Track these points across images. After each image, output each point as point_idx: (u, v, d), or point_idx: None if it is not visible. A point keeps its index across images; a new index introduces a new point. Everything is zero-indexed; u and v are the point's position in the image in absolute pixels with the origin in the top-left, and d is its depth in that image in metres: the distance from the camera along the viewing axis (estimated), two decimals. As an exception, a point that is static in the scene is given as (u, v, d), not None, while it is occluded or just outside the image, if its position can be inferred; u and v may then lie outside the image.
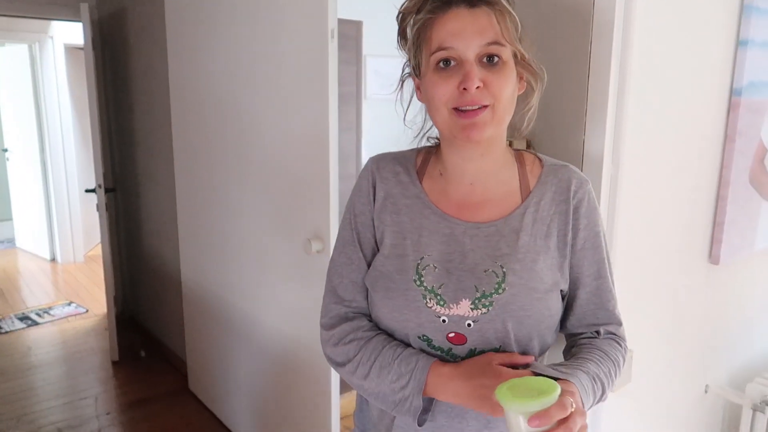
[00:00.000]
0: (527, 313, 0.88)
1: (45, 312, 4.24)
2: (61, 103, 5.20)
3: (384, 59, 3.62)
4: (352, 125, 3.14)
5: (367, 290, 0.99)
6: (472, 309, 0.88)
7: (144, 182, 3.59)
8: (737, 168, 1.51)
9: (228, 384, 2.65)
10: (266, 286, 2.24)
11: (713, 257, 1.54)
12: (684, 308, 1.52)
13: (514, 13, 0.86)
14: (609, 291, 0.97)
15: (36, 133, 5.30)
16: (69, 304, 4.39)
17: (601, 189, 1.11)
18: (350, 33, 3.01)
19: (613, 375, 0.92)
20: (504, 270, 0.89)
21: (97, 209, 3.37)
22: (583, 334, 0.98)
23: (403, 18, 0.91)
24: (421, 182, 0.97)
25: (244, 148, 2.27)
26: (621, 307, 1.08)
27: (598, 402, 0.90)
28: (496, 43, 0.83)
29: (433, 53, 0.85)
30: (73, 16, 3.42)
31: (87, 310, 4.27)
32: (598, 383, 0.88)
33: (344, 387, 2.37)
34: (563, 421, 0.73)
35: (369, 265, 0.98)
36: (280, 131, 2.04)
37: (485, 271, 0.89)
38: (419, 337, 0.91)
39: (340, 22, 1.85)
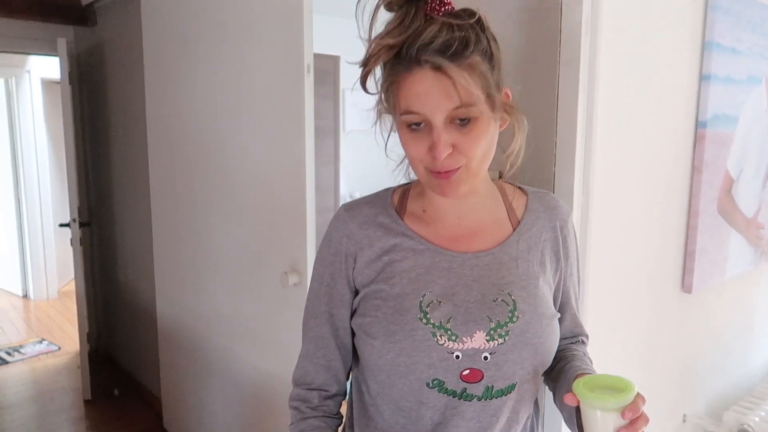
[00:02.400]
0: (541, 340, 0.87)
1: (15, 350, 4.12)
2: (37, 138, 5.16)
3: (362, 93, 3.67)
4: (330, 159, 3.16)
5: (347, 345, 0.97)
6: (487, 341, 0.84)
7: (120, 216, 3.55)
8: (705, 198, 1.54)
9: (204, 421, 2.58)
10: (242, 319, 2.21)
11: (686, 286, 1.57)
12: (658, 337, 1.53)
13: (485, 64, 0.80)
14: (578, 309, 1.03)
15: (10, 167, 5.24)
16: (41, 342, 4.27)
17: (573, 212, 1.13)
18: (328, 68, 3.05)
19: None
20: (513, 298, 0.87)
21: (72, 244, 3.32)
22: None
23: (367, 61, 0.83)
24: (403, 219, 0.93)
25: (221, 181, 2.26)
26: (595, 336, 1.09)
27: None
28: (464, 105, 0.78)
29: (402, 114, 0.82)
30: (50, 50, 3.41)
31: (59, 348, 4.16)
32: None
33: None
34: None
35: (352, 314, 0.95)
36: (257, 165, 2.05)
37: (494, 301, 0.86)
38: (428, 384, 0.85)
39: (318, 56, 1.87)
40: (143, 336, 3.29)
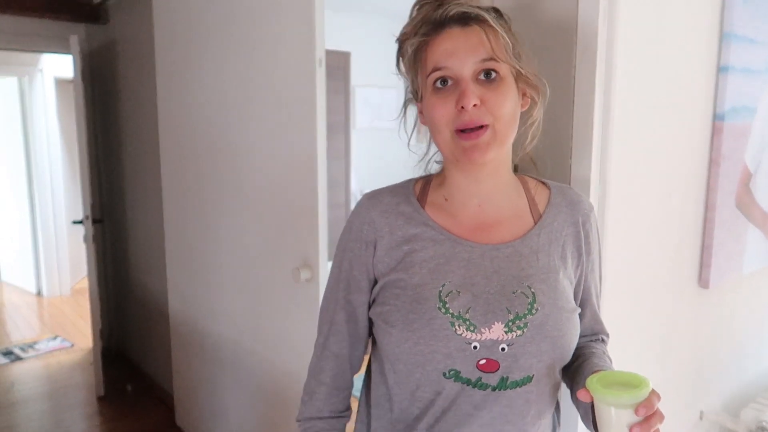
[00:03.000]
0: (561, 333, 0.86)
1: (29, 347, 4.16)
2: (49, 136, 5.19)
3: (373, 89, 3.67)
4: (341, 154, 3.15)
5: (362, 334, 0.99)
6: (506, 332, 0.84)
7: (132, 213, 3.57)
8: (723, 191, 1.52)
9: (216, 417, 2.59)
10: (254, 315, 2.21)
11: (703, 281, 1.54)
12: (675, 333, 1.51)
13: (508, 30, 0.86)
14: (599, 307, 1.02)
15: (24, 165, 5.28)
16: (54, 339, 4.31)
17: (589, 212, 1.11)
18: (339, 64, 3.04)
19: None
20: (533, 290, 0.87)
21: (84, 241, 3.34)
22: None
23: (401, 44, 0.90)
24: (424, 208, 0.94)
25: (232, 177, 2.26)
26: (612, 330, 1.07)
27: None
28: (490, 59, 0.83)
29: (429, 74, 0.85)
30: (62, 48, 3.43)
31: (72, 345, 4.19)
32: None
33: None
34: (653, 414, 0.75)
35: (369, 305, 0.96)
36: (269, 160, 2.04)
37: (514, 293, 0.86)
38: (445, 375, 0.86)
39: (329, 53, 1.87)
40: (155, 332, 3.30)
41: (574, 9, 1.07)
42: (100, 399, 3.33)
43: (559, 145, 1.13)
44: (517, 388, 0.86)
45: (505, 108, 0.84)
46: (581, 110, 1.09)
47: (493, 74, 0.83)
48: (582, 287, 0.97)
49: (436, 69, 0.84)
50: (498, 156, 0.87)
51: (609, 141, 1.13)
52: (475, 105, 0.82)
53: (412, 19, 0.89)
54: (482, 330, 0.84)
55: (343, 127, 3.15)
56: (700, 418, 1.66)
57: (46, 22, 3.38)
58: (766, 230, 1.75)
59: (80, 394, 3.42)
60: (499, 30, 0.84)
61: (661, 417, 0.75)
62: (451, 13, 0.84)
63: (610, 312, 1.23)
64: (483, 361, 0.84)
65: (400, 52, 0.91)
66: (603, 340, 1.03)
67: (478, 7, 0.85)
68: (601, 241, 1.16)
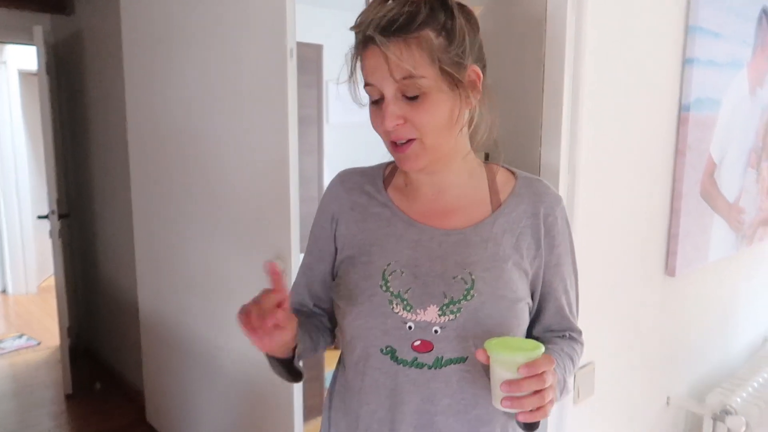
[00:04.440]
0: (496, 321, 0.87)
1: (-6, 345, 4.05)
2: (14, 129, 5.05)
3: (345, 86, 3.64)
4: (313, 148, 3.14)
5: (323, 297, 1.03)
6: (439, 315, 0.87)
7: (100, 208, 3.50)
8: (689, 181, 1.55)
9: (188, 413, 2.56)
10: (228, 309, 2.18)
11: (669, 269, 1.58)
12: (643, 320, 1.54)
13: (441, 39, 0.81)
14: (572, 304, 1.00)
15: (-13, 160, 5.13)
16: (20, 337, 4.20)
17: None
18: (311, 56, 3.02)
19: (570, 370, 0.95)
20: (473, 277, 0.88)
21: (50, 236, 3.26)
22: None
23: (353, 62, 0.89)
24: (387, 190, 0.98)
25: (203, 170, 2.23)
26: (582, 318, 1.08)
27: (560, 396, 0.90)
28: (409, 77, 0.81)
29: (365, 86, 0.87)
30: (26, 39, 3.33)
31: (39, 343, 4.09)
32: (560, 375, 0.89)
33: (308, 414, 2.31)
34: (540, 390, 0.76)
35: (332, 275, 1.00)
36: (240, 153, 2.02)
37: (454, 278, 0.88)
38: (382, 351, 0.89)
39: (301, 45, 1.85)
40: (125, 329, 3.25)
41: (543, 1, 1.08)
42: (68, 397, 3.26)
43: (530, 133, 1.14)
44: (452, 365, 0.88)
45: (431, 123, 0.84)
46: (551, 99, 1.10)
47: (416, 92, 0.82)
48: (541, 280, 0.95)
49: (366, 84, 0.86)
50: (433, 161, 0.88)
51: (578, 130, 1.14)
52: (397, 124, 0.84)
53: (361, 12, 0.85)
54: (418, 311, 0.87)
55: (315, 121, 3.13)
56: (667, 403, 1.70)
57: (10, 11, 3.28)
58: (731, 220, 1.80)
59: (47, 393, 3.34)
60: (424, 39, 0.80)
61: (540, 382, 0.75)
62: (368, 34, 0.81)
63: (581, 300, 1.25)
64: (417, 342, 0.87)
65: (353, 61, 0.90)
66: (571, 337, 1.01)
67: (409, 15, 0.80)
68: (573, 228, 1.18)
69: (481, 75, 0.88)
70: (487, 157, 1.20)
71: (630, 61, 1.30)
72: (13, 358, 3.84)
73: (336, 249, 0.99)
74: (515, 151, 1.16)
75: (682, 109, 1.50)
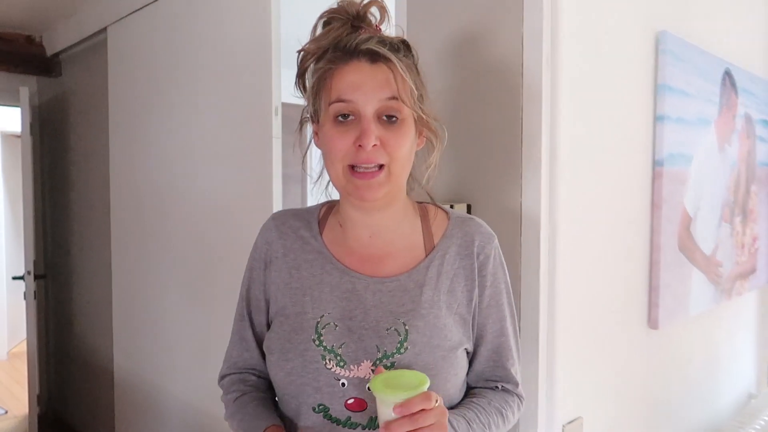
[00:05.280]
0: (432, 373, 0.83)
1: (-42, 415, 3.85)
2: (-7, 191, 5.02)
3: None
4: (297, 205, 3.15)
5: (259, 350, 0.98)
6: (372, 371, 0.83)
7: (78, 268, 3.43)
8: (666, 234, 1.58)
9: (161, 484, 2.43)
10: (206, 371, 2.12)
11: (652, 321, 1.58)
12: (628, 372, 1.53)
13: (414, 73, 0.86)
14: (509, 349, 0.94)
15: (-37, 221, 5.06)
16: (-14, 406, 4.01)
17: (540, 248, 1.14)
18: (295, 116, 3.08)
19: (496, 426, 0.90)
20: (406, 328, 0.85)
21: (25, 298, 3.18)
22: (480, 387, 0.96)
23: (303, 59, 0.89)
24: (321, 235, 0.94)
25: (184, 230, 2.22)
26: (567, 370, 1.07)
27: None
28: (394, 98, 0.82)
29: (331, 103, 0.84)
30: (11, 101, 3.37)
31: (6, 411, 3.91)
32: (474, 426, 0.86)
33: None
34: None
35: (268, 326, 0.95)
36: (223, 211, 2.02)
37: (387, 330, 0.85)
38: (314, 409, 0.85)
39: (286, 106, 1.89)
40: (97, 395, 3.12)
41: (519, 54, 1.13)
42: (34, 469, 3.09)
43: (510, 183, 1.16)
44: None
45: (403, 150, 0.84)
46: (529, 151, 1.13)
47: (394, 118, 0.83)
48: (476, 324, 0.91)
49: (339, 100, 0.83)
50: (389, 193, 0.87)
51: (557, 180, 1.17)
52: (374, 145, 0.82)
53: (318, 36, 0.88)
54: (351, 367, 0.84)
55: (299, 178, 3.16)
56: (657, 460, 1.66)
57: (-4, 73, 3.32)
58: (709, 272, 1.82)
59: (12, 465, 3.17)
60: (405, 75, 0.83)
61: (412, 422, 0.72)
62: (362, 47, 0.83)
63: (565, 351, 1.24)
64: (351, 401, 0.83)
65: (301, 69, 0.90)
66: (504, 389, 0.94)
67: (390, 44, 0.85)
68: (554, 279, 1.19)
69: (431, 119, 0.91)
70: (469, 209, 1.22)
71: (604, 115, 1.35)
72: (-22, 428, 3.66)
73: (268, 299, 0.95)
74: (496, 201, 1.18)
75: (656, 164, 1.54)
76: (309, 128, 0.95)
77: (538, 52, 1.11)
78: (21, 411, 3.85)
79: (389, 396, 0.74)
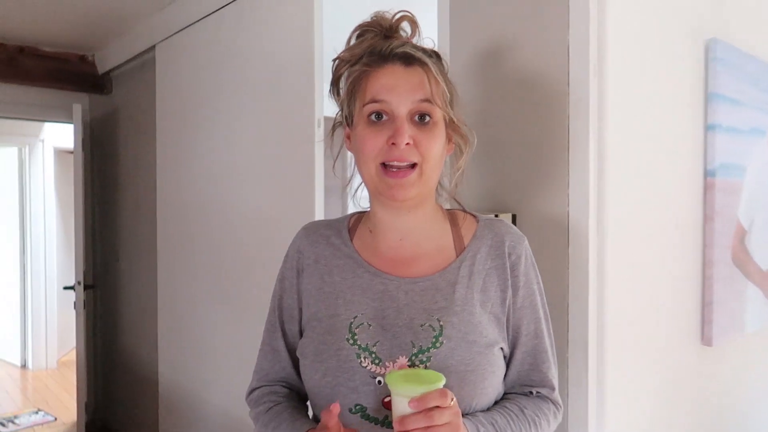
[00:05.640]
0: (469, 368, 0.84)
1: (10, 421, 3.99)
2: (46, 204, 5.21)
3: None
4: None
5: (291, 361, 0.98)
6: (409, 366, 0.84)
7: (125, 280, 3.53)
8: (719, 247, 1.52)
9: (203, 494, 2.46)
10: (248, 382, 2.14)
11: (705, 338, 1.52)
12: (680, 391, 1.47)
13: (446, 79, 0.89)
14: (545, 352, 0.94)
15: (18, 234, 5.26)
16: (36, 413, 4.14)
17: (589, 260, 1.11)
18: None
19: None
20: (441, 323, 0.86)
21: (75, 307, 3.28)
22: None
23: (338, 66, 0.93)
24: (352, 241, 0.96)
25: (227, 244, 2.26)
26: (616, 389, 1.04)
27: None
28: (427, 101, 0.85)
29: (366, 104, 0.87)
30: (65, 117, 3.51)
31: (55, 419, 4.03)
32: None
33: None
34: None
35: (301, 334, 0.96)
36: (266, 224, 2.05)
37: (421, 326, 0.86)
38: (351, 410, 0.85)
39: (328, 120, 1.91)
40: (143, 403, 3.18)
41: (565, 61, 1.12)
42: (81, 476, 3.17)
43: (557, 194, 1.14)
44: None
45: (434, 150, 0.86)
46: (576, 160, 1.11)
47: (427, 118, 0.86)
48: (511, 326, 0.91)
49: (373, 101, 0.86)
50: (420, 194, 0.88)
51: (604, 191, 1.14)
52: (407, 144, 0.84)
53: (352, 46, 0.92)
54: (387, 364, 0.84)
55: (339, 191, 3.18)
56: (712, 484, 1.59)
57: (50, 91, 3.47)
58: (765, 288, 1.75)
59: (60, 471, 3.25)
60: (439, 78, 0.87)
61: (427, 419, 0.72)
62: (397, 51, 0.87)
63: (614, 367, 1.20)
64: (388, 399, 0.83)
65: (336, 75, 0.94)
66: (539, 395, 0.93)
67: (423, 50, 0.89)
68: (603, 293, 1.16)
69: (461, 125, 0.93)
70: (514, 218, 1.20)
71: (653, 125, 1.32)
72: (29, 434, 3.77)
73: (300, 307, 0.96)
74: (542, 211, 1.16)
75: (708, 174, 1.49)
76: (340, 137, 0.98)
77: (584, 60, 1.09)
78: (69, 418, 3.96)
79: (405, 389, 0.73)
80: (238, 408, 2.19)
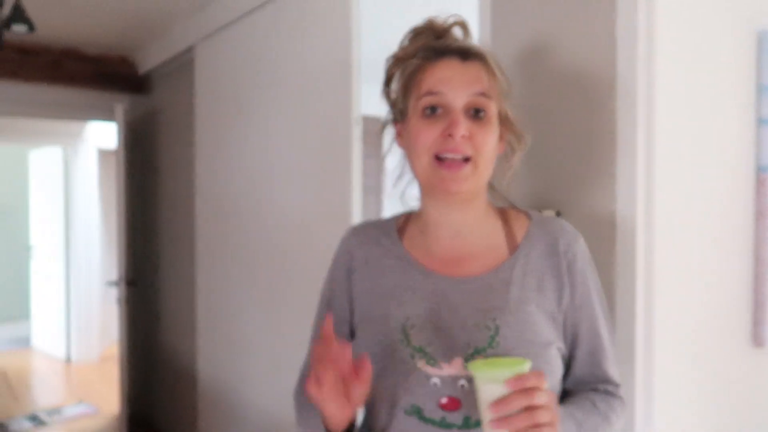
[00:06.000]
0: None
1: (55, 412, 4.11)
2: (89, 202, 5.35)
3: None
4: (374, 216, 3.17)
5: None
6: (465, 367, 0.82)
7: (165, 277, 3.60)
8: (772, 245, 1.47)
9: (241, 488, 2.49)
10: (285, 379, 2.16)
11: (757, 339, 1.46)
12: (729, 394, 1.42)
13: (503, 73, 0.89)
14: (605, 350, 0.92)
15: (62, 230, 5.42)
16: (79, 404, 4.26)
17: (636, 258, 1.08)
18: (372, 129, 3.11)
19: (600, 429, 0.87)
20: (497, 323, 0.84)
21: (117, 303, 3.36)
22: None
23: (392, 65, 0.92)
24: (402, 242, 0.95)
25: (265, 242, 2.28)
26: (663, 391, 1.01)
27: None
28: (484, 94, 0.85)
29: (421, 97, 0.86)
30: (107, 117, 3.60)
31: (98, 411, 4.14)
32: (585, 427, 0.83)
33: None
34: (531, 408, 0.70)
35: (352, 335, 0.95)
36: (303, 222, 2.06)
37: (476, 325, 0.84)
38: (407, 411, 0.83)
39: (365, 119, 1.91)
40: (182, 398, 3.25)
41: (612, 55, 1.09)
42: (123, 467, 3.25)
43: (603, 190, 1.12)
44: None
45: (489, 145, 0.86)
46: (624, 156, 1.09)
47: (482, 113, 0.85)
48: (569, 325, 0.90)
49: (429, 93, 0.86)
50: (473, 188, 0.87)
51: (653, 190, 1.11)
52: (463, 136, 0.83)
53: (406, 45, 0.92)
54: (442, 365, 0.83)
55: (375, 189, 3.19)
56: (763, 492, 1.53)
57: (93, 92, 3.56)
58: (820, 289, 1.68)
59: (103, 462, 3.34)
60: (496, 71, 0.87)
61: (529, 397, 0.70)
62: (454, 45, 0.88)
63: (662, 371, 1.17)
64: (445, 400, 0.82)
65: (390, 73, 0.93)
66: (606, 392, 0.92)
67: (478, 47, 0.89)
68: (652, 290, 1.12)
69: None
70: (558, 215, 1.18)
71: (703, 118, 1.28)
72: (72, 426, 3.88)
73: (351, 309, 0.95)
74: (588, 209, 1.13)
75: (761, 170, 1.44)
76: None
77: (632, 53, 1.06)
78: (111, 410, 4.06)
79: (495, 372, 0.71)
80: (275, 404, 2.21)
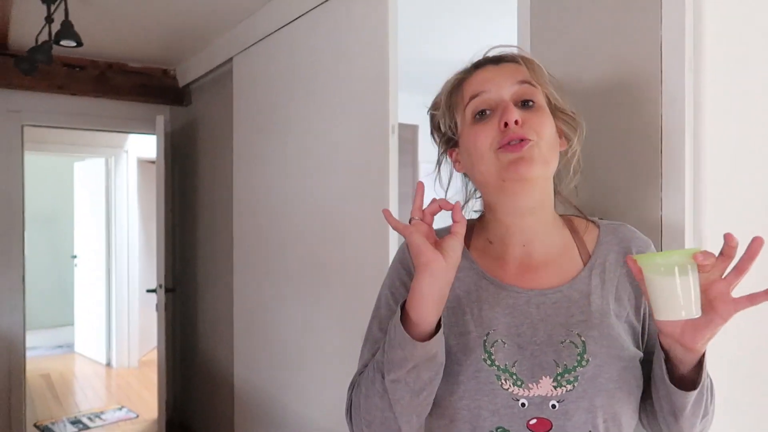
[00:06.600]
0: (617, 386, 0.79)
1: (96, 416, 4.21)
2: (129, 211, 5.50)
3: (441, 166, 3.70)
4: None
5: None
6: (554, 387, 0.79)
7: (202, 284, 3.66)
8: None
9: (277, 495, 2.50)
10: (322, 387, 2.16)
11: (811, 352, 1.40)
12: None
13: (540, 66, 0.89)
14: None
15: (104, 239, 5.57)
16: (120, 409, 4.35)
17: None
18: (407, 136, 3.12)
19: (711, 407, 0.85)
20: (583, 339, 0.81)
21: (156, 309, 3.43)
22: None
23: (434, 106, 0.94)
24: (470, 253, 0.91)
25: (302, 250, 2.29)
26: (723, 400, 0.97)
27: (702, 417, 0.82)
28: (527, 82, 0.85)
29: (467, 104, 0.86)
30: (149, 129, 3.69)
31: (137, 416, 4.22)
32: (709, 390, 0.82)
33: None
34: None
35: None
36: (340, 231, 2.07)
37: (562, 342, 0.81)
38: None
39: (402, 127, 1.91)
40: (219, 403, 3.28)
41: (658, 58, 1.06)
42: (161, 472, 3.29)
43: (649, 197, 1.09)
44: None
45: (547, 130, 0.83)
46: (670, 161, 1.06)
47: (531, 102, 0.85)
48: (648, 332, 0.87)
49: (474, 96, 0.86)
50: (543, 175, 0.83)
51: (701, 194, 1.08)
52: (516, 122, 0.81)
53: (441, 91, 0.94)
54: (530, 385, 0.79)
55: (411, 197, 3.18)
56: None
57: (135, 104, 3.66)
58: None
59: (143, 467, 3.39)
60: (533, 61, 0.88)
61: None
62: (489, 56, 0.90)
63: (719, 383, 1.13)
64: (534, 421, 0.78)
65: (435, 122, 0.95)
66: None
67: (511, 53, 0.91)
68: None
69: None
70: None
71: (753, 122, 1.24)
72: (113, 430, 3.97)
73: None
74: (634, 215, 1.11)
75: (814, 176, 1.39)
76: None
77: (680, 57, 1.03)
78: (150, 415, 4.14)
79: (677, 254, 0.69)
80: (314, 412, 2.22)
